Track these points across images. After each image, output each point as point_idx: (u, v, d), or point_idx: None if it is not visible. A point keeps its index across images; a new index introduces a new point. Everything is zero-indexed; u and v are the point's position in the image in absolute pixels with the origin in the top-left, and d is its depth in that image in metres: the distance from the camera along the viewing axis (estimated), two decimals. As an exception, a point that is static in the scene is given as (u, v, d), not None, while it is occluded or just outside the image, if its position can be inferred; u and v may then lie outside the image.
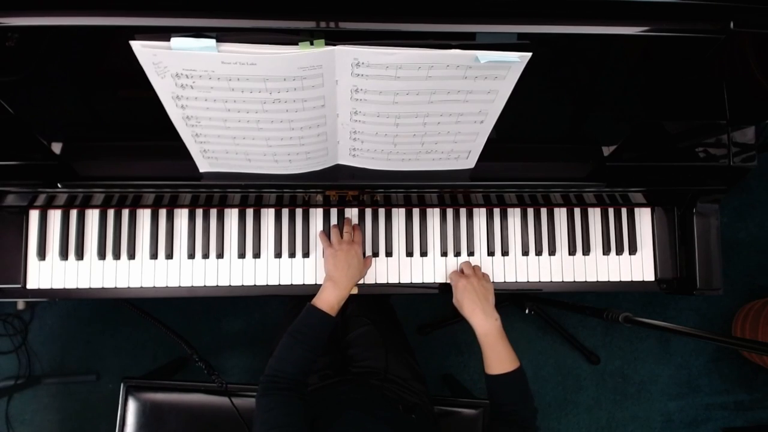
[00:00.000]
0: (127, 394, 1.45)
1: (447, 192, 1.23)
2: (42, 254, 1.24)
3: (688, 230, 1.31)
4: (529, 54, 0.81)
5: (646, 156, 1.20)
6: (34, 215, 1.25)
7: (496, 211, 1.33)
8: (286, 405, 1.00)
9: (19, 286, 1.24)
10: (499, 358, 1.13)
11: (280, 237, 1.28)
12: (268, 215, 1.29)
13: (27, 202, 1.23)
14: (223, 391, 1.43)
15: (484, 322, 1.16)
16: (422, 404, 1.30)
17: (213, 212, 1.28)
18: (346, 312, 1.60)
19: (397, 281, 1.30)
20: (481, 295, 1.19)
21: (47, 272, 1.25)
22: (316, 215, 1.30)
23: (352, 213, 1.31)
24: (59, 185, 1.10)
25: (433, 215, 1.32)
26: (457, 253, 1.31)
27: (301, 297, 1.45)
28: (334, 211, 1.30)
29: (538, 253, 1.33)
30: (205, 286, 1.27)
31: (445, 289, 1.31)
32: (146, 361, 2.07)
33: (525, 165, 1.17)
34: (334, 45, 0.79)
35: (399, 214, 1.32)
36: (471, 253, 1.31)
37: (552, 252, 1.33)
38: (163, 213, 1.28)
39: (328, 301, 1.11)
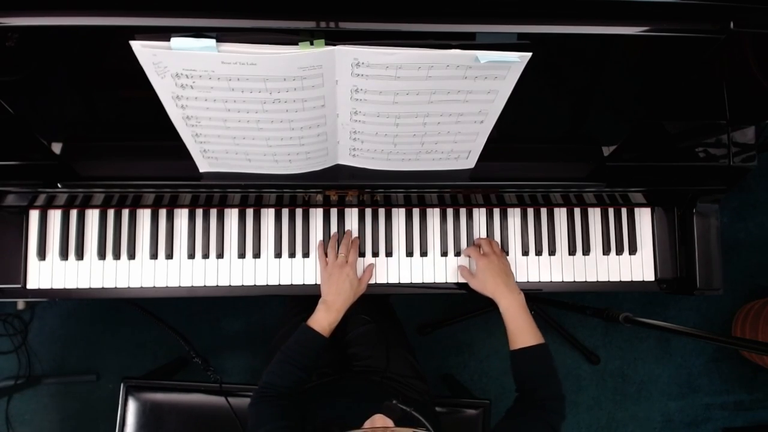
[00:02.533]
0: (127, 394, 1.45)
1: (447, 192, 1.23)
2: (42, 254, 1.24)
3: (688, 230, 1.31)
4: (529, 54, 0.81)
5: (646, 156, 1.20)
6: (34, 215, 1.25)
7: (496, 211, 1.33)
8: (275, 407, 1.04)
9: (19, 286, 1.24)
10: (522, 331, 1.13)
11: (280, 237, 1.28)
12: (268, 215, 1.29)
13: (27, 202, 1.23)
14: (220, 391, 1.43)
15: (509, 295, 1.17)
16: (424, 402, 1.30)
17: (213, 212, 1.28)
18: (347, 313, 1.60)
19: (397, 281, 1.30)
20: (503, 271, 1.21)
21: (47, 272, 1.25)
22: (316, 215, 1.30)
23: (352, 213, 1.31)
24: (59, 185, 1.10)
25: (433, 215, 1.32)
26: (457, 253, 1.31)
27: (301, 297, 1.44)
28: (334, 211, 1.30)
29: (538, 253, 1.33)
30: (205, 286, 1.27)
31: (457, 286, 1.31)
32: (146, 361, 2.07)
33: (525, 165, 1.17)
34: (334, 45, 0.79)
35: (399, 214, 1.32)
36: (471, 253, 1.31)
37: (552, 252, 1.33)
38: (163, 213, 1.27)
39: (320, 323, 1.15)
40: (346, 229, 1.30)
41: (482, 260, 1.23)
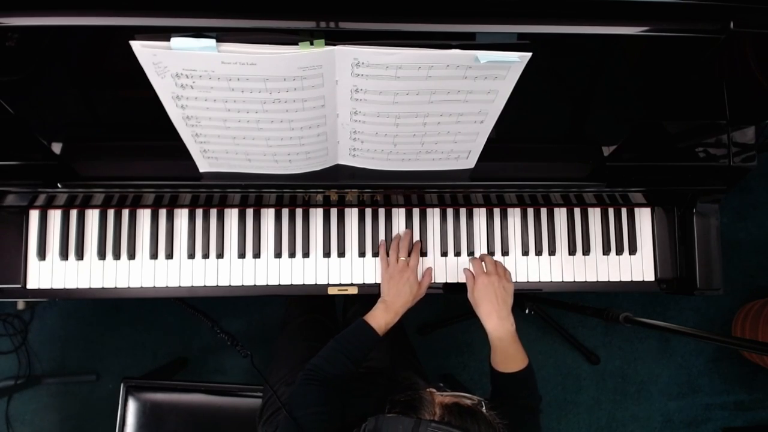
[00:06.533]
0: (127, 394, 1.45)
1: (447, 192, 1.23)
2: (42, 254, 1.24)
3: (688, 230, 1.31)
4: (529, 54, 0.81)
5: (646, 156, 1.20)
6: (34, 215, 1.25)
7: (496, 211, 1.33)
8: (321, 391, 1.05)
9: (19, 286, 1.24)
10: (510, 359, 1.13)
11: (280, 237, 1.28)
12: (268, 215, 1.29)
13: (27, 202, 1.23)
14: (223, 391, 1.43)
15: (499, 326, 1.14)
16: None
17: (213, 212, 1.28)
18: (348, 314, 1.60)
19: (397, 281, 1.30)
20: (501, 297, 1.15)
21: (47, 272, 1.25)
22: (316, 215, 1.30)
23: (352, 213, 1.31)
24: (59, 185, 1.10)
25: (433, 215, 1.32)
26: (457, 253, 1.31)
27: (301, 297, 1.44)
28: (334, 211, 1.30)
29: (538, 253, 1.33)
30: (205, 286, 1.27)
31: (449, 288, 1.30)
32: (146, 361, 2.07)
33: (525, 165, 1.17)
34: (334, 45, 0.79)
35: (399, 214, 1.32)
36: (471, 253, 1.31)
37: (552, 252, 1.33)
38: (163, 213, 1.27)
39: (377, 320, 1.15)
40: (404, 230, 1.30)
41: (482, 278, 1.18)
